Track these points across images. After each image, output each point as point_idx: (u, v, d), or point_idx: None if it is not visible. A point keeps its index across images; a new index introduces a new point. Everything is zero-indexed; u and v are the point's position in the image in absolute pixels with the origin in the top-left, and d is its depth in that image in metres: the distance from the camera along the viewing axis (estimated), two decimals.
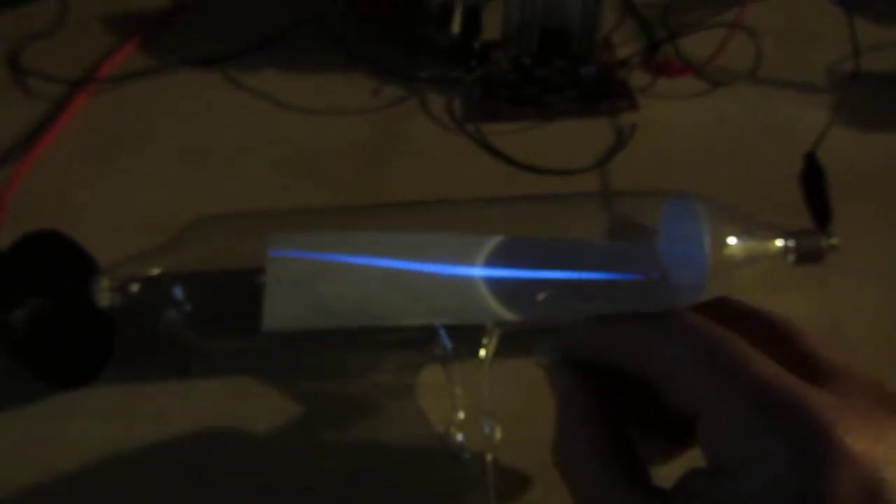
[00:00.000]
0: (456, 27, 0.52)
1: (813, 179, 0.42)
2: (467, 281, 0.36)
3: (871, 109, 0.49)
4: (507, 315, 0.36)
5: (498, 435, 0.34)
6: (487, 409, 0.34)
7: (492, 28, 0.52)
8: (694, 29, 0.54)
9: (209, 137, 0.49)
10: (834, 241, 0.38)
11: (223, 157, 0.48)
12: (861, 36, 0.51)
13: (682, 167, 0.46)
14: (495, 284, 0.36)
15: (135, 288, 0.35)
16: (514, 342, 0.36)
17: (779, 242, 0.37)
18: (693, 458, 0.25)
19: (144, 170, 0.47)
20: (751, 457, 0.20)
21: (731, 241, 0.35)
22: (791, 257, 0.38)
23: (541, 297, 0.37)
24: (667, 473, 0.25)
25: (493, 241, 0.37)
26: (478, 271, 0.36)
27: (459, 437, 0.34)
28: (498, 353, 0.35)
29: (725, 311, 0.26)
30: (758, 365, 0.22)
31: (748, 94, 0.51)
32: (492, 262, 0.36)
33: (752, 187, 0.44)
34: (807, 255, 0.38)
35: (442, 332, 0.35)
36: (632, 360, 0.25)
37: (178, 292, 0.36)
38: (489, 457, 0.34)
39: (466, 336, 0.35)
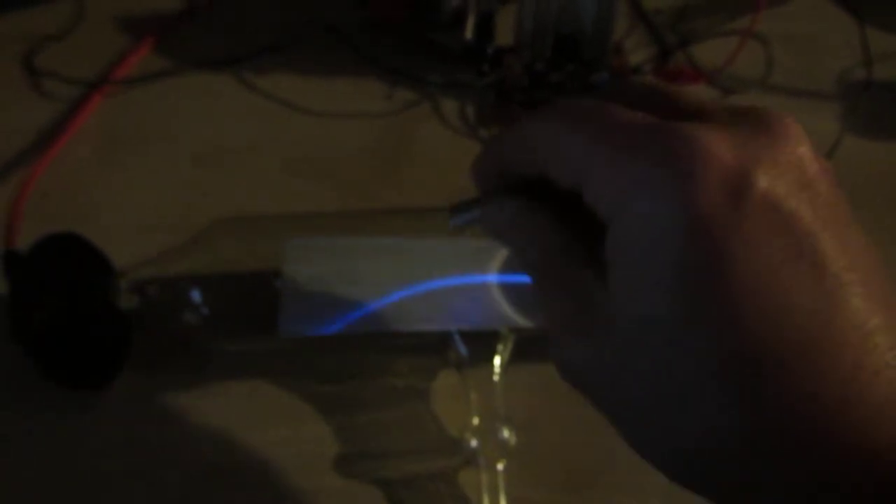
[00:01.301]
0: (469, 32, 0.52)
1: None
2: (482, 286, 0.36)
3: (883, 118, 0.49)
4: (522, 321, 0.36)
5: (512, 440, 0.34)
6: (502, 414, 0.34)
7: (505, 33, 0.52)
8: (705, 36, 0.55)
9: (223, 139, 0.49)
10: None
11: (236, 159, 0.48)
12: (872, 44, 0.51)
13: None
14: (510, 290, 0.36)
15: (152, 290, 0.36)
16: (528, 348, 0.37)
17: None
18: None
19: (159, 171, 0.47)
20: (627, 195, 0.21)
21: None
22: None
23: None
24: None
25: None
26: (492, 277, 0.36)
27: (474, 442, 0.34)
28: (512, 359, 0.36)
29: (617, 94, 0.25)
30: (619, 115, 0.22)
31: (759, 102, 0.50)
32: (506, 267, 0.37)
33: None
34: None
35: (457, 338, 0.36)
36: (527, 162, 0.24)
37: (196, 295, 0.36)
38: (503, 462, 0.34)
39: (481, 341, 0.36)
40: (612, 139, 0.21)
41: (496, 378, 0.35)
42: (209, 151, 0.48)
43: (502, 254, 0.37)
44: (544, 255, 0.24)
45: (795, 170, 0.21)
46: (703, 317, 0.20)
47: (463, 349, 0.35)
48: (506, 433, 0.34)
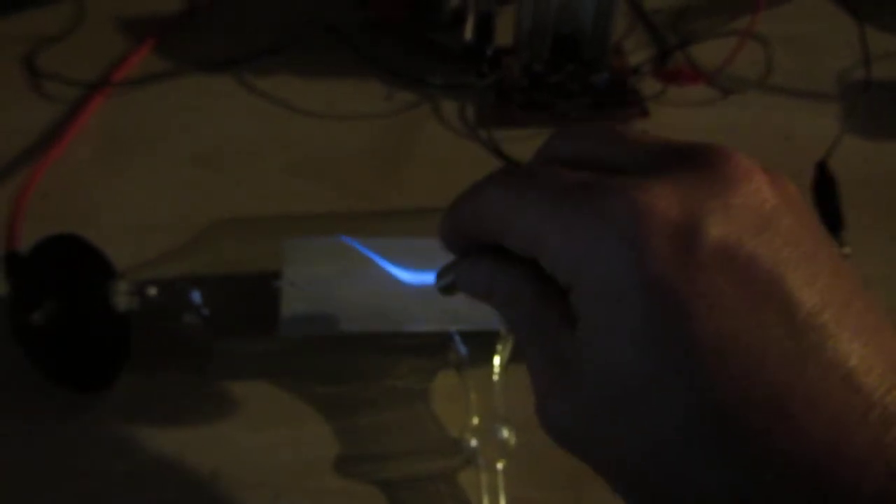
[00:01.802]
0: (468, 33, 0.52)
1: (824, 188, 0.42)
2: None
3: (882, 118, 0.49)
4: None
5: (512, 441, 0.34)
6: (501, 414, 0.34)
7: (504, 34, 0.52)
8: (705, 37, 0.55)
9: (223, 141, 0.49)
10: (846, 249, 0.39)
11: (237, 161, 0.48)
12: (872, 45, 0.51)
13: None
14: None
15: (152, 291, 0.36)
16: None
17: None
18: None
19: (159, 172, 0.47)
20: (581, 264, 0.20)
21: None
22: None
23: None
24: None
25: None
26: None
27: (474, 442, 0.34)
28: (512, 359, 0.36)
29: (563, 145, 0.25)
30: (562, 179, 0.21)
31: (759, 102, 0.51)
32: None
33: None
34: None
35: (456, 338, 0.36)
36: (483, 234, 0.24)
37: (195, 296, 0.36)
38: (503, 462, 0.34)
39: (481, 342, 0.36)
40: (561, 208, 0.21)
41: (496, 378, 0.35)
42: (209, 152, 0.48)
43: None
44: (521, 314, 0.23)
45: (749, 211, 0.20)
46: (671, 376, 0.19)
47: (462, 349, 0.36)
48: (505, 433, 0.34)
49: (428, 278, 0.30)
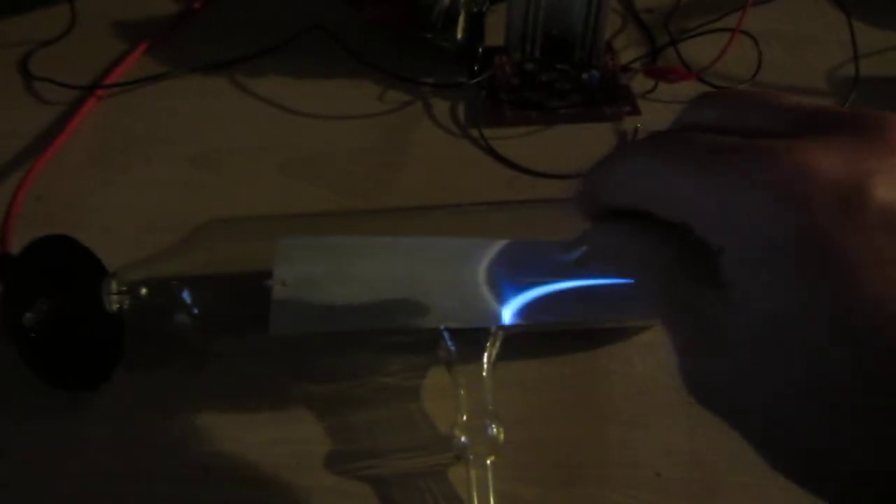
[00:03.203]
0: (460, 33, 0.52)
1: None
2: (471, 284, 0.37)
3: None
4: (511, 318, 0.36)
5: (501, 437, 0.34)
6: (491, 411, 0.35)
7: (496, 33, 0.53)
8: (695, 34, 0.55)
9: (217, 142, 0.49)
10: None
11: (231, 162, 0.48)
12: (861, 40, 0.51)
13: None
14: (499, 288, 0.36)
15: (144, 291, 0.36)
16: (517, 345, 0.37)
17: None
18: None
19: (154, 174, 0.47)
20: (738, 229, 0.21)
21: None
22: None
23: (544, 300, 0.37)
24: None
25: (496, 245, 0.38)
26: (481, 275, 0.37)
27: (463, 439, 0.34)
28: (501, 356, 0.36)
29: (707, 110, 0.24)
30: (716, 144, 0.21)
31: None
32: (496, 265, 0.37)
33: None
34: None
35: (446, 335, 0.36)
36: (626, 200, 0.24)
37: (187, 295, 0.36)
38: (492, 458, 0.34)
39: (470, 339, 0.36)
40: (713, 172, 0.21)
41: (485, 375, 0.36)
42: (204, 154, 0.49)
43: (492, 251, 0.37)
44: (660, 278, 0.23)
45: None
46: (835, 332, 0.19)
47: (452, 346, 0.36)
48: (495, 429, 0.34)
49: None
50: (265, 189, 0.47)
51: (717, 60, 0.51)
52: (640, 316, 0.39)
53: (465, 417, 0.35)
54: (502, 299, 0.36)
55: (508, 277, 0.37)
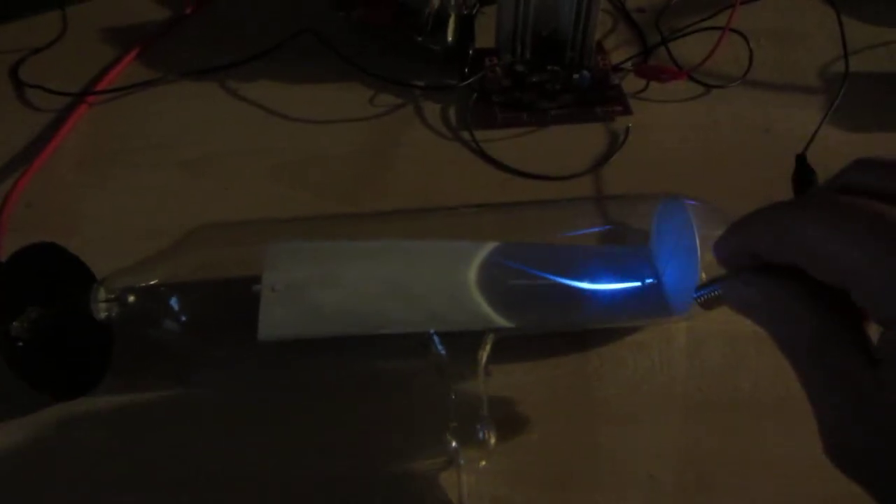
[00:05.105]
0: (450, 35, 0.52)
1: (804, 180, 0.42)
2: (462, 287, 0.36)
3: (862, 109, 0.49)
4: (502, 321, 0.36)
5: (493, 441, 0.34)
6: (482, 415, 0.35)
7: (486, 35, 0.53)
8: (686, 32, 0.55)
9: (207, 147, 0.49)
10: None
11: (221, 167, 0.48)
12: (851, 36, 0.51)
13: (676, 170, 0.47)
14: (490, 290, 0.36)
15: (132, 298, 0.36)
16: (508, 349, 0.37)
17: None
18: None
19: (144, 180, 0.47)
20: None
21: None
22: None
23: (535, 302, 0.37)
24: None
25: (488, 247, 0.38)
26: (473, 278, 0.37)
27: (454, 443, 0.34)
28: (492, 359, 0.36)
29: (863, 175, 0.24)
30: (886, 212, 0.21)
31: (740, 96, 0.51)
32: (487, 268, 0.37)
33: (745, 188, 0.44)
34: None
35: (436, 340, 0.36)
36: (781, 256, 0.24)
37: (175, 302, 0.36)
38: (483, 462, 0.34)
39: (461, 343, 0.36)
40: (875, 240, 0.21)
41: (476, 379, 0.35)
42: (194, 160, 0.48)
43: (483, 254, 0.37)
44: (803, 339, 0.23)
45: None
46: None
47: (442, 351, 0.36)
48: (486, 434, 0.34)
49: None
50: (256, 193, 0.47)
51: (707, 59, 0.51)
52: (630, 320, 0.39)
53: (456, 422, 0.35)
54: (493, 302, 0.36)
55: (500, 280, 0.37)
